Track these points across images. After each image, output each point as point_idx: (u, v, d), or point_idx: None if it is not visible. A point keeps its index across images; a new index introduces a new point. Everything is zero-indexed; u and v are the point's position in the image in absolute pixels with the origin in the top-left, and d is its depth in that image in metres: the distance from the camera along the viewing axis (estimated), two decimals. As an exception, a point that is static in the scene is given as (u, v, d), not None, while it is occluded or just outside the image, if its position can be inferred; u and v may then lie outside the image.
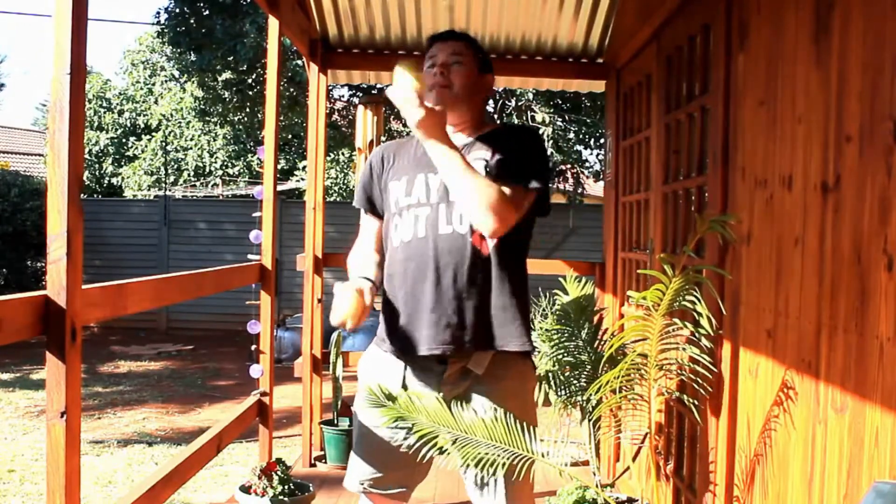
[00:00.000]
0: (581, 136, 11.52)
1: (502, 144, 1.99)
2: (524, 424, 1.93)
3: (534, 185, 1.94)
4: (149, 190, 15.32)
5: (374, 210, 2.12)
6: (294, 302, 9.78)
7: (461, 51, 2.03)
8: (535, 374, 2.14)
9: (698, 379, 2.23)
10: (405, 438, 1.98)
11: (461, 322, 1.93)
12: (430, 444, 1.91)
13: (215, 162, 15.79)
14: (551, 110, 10.31)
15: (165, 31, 9.74)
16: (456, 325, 1.93)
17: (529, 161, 1.97)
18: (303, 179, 13.48)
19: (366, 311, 1.89)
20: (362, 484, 2.06)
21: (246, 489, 2.95)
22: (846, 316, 1.59)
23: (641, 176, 3.45)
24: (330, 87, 6.76)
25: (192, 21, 9.26)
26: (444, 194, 1.96)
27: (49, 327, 1.55)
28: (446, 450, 1.92)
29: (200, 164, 15.87)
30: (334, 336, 4.07)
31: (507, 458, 1.89)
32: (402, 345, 1.98)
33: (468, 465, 1.92)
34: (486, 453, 1.89)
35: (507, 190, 1.87)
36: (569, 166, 11.42)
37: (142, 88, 16.96)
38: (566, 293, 3.36)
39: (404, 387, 2.01)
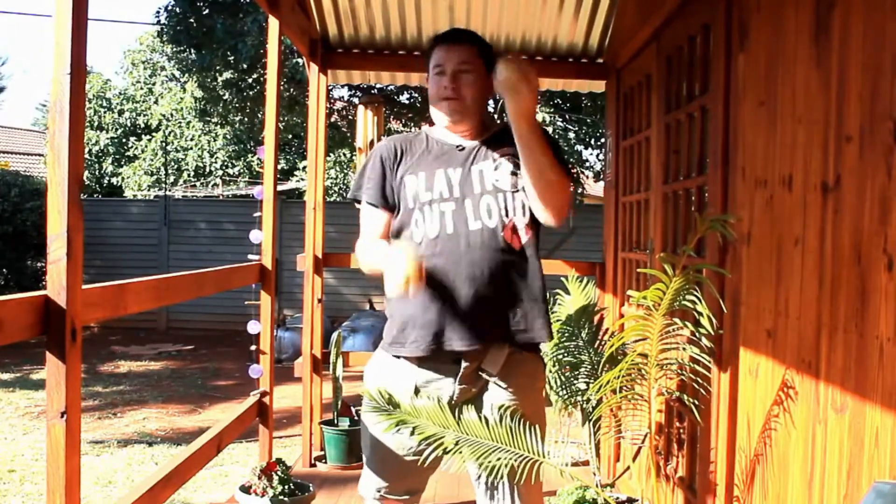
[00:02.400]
0: (581, 136, 11.51)
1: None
2: (532, 425, 1.94)
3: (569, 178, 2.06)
4: (149, 190, 15.32)
5: (387, 204, 2.05)
6: (294, 302, 9.78)
7: (469, 58, 2.01)
8: (545, 372, 2.14)
9: (698, 379, 2.23)
10: (412, 446, 1.98)
11: (494, 318, 1.93)
12: (437, 448, 1.91)
13: (215, 162, 15.78)
14: (551, 110, 10.31)
15: (165, 30, 9.74)
16: (489, 321, 1.93)
17: (560, 157, 2.04)
18: (303, 179, 13.48)
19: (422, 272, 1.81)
20: (379, 491, 2.09)
21: (246, 489, 2.95)
22: (846, 316, 1.59)
23: (641, 176, 3.45)
24: (330, 87, 6.76)
25: (192, 20, 9.25)
26: (466, 189, 1.96)
27: (49, 327, 1.55)
28: (453, 451, 1.92)
29: (200, 164, 15.87)
30: (334, 336, 4.07)
31: (513, 460, 1.89)
32: (428, 344, 1.94)
33: (480, 473, 1.93)
34: (493, 456, 1.89)
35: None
36: (569, 166, 11.40)
37: (142, 88, 16.95)
38: (567, 293, 3.36)
39: (416, 390, 1.99)
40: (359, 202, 2.10)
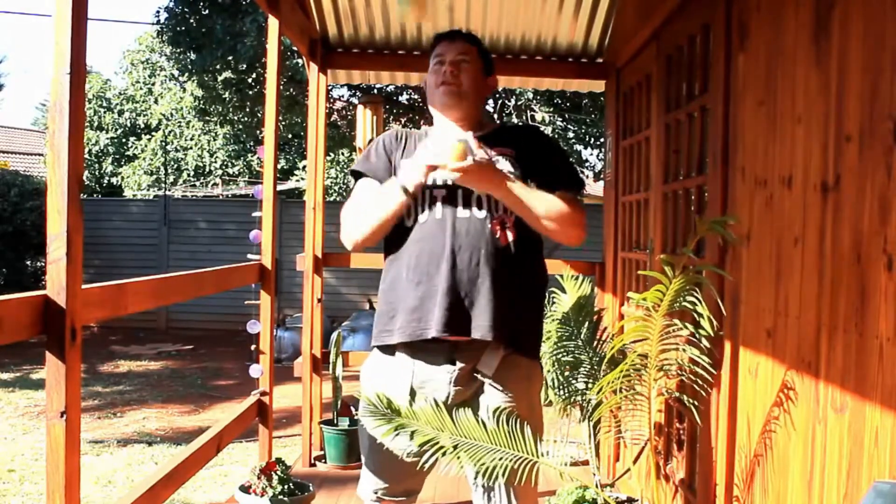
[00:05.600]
0: (581, 136, 11.50)
1: (518, 148, 2.00)
2: (529, 427, 1.93)
3: (579, 186, 2.07)
4: (148, 190, 15.33)
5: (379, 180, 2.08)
6: (294, 302, 9.78)
7: (468, 51, 2.07)
8: (542, 375, 2.14)
9: (698, 380, 2.23)
10: (410, 448, 1.97)
11: (476, 307, 1.91)
12: (435, 451, 1.91)
13: (215, 162, 15.79)
14: (551, 109, 10.31)
15: (165, 30, 9.73)
16: (470, 309, 1.91)
17: (565, 165, 2.08)
18: (303, 179, 13.47)
19: None
20: (375, 493, 2.10)
21: (246, 489, 2.95)
22: (846, 316, 1.59)
23: (641, 176, 3.45)
24: (330, 87, 6.76)
25: (191, 20, 9.25)
26: None
27: (49, 327, 1.55)
28: (451, 454, 1.91)
29: (200, 164, 15.87)
30: (334, 336, 4.07)
31: (510, 462, 1.89)
32: (411, 329, 1.94)
33: (477, 474, 1.92)
34: (490, 458, 1.89)
35: (570, 198, 1.99)
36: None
37: (142, 88, 16.95)
38: (563, 291, 3.36)
39: (412, 392, 1.99)
40: (356, 176, 2.14)
